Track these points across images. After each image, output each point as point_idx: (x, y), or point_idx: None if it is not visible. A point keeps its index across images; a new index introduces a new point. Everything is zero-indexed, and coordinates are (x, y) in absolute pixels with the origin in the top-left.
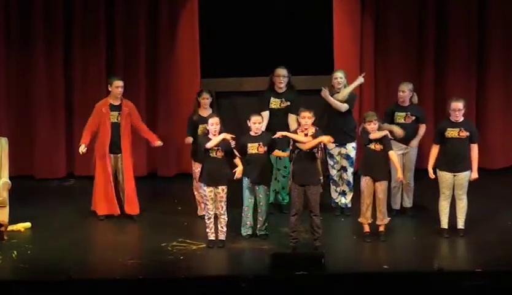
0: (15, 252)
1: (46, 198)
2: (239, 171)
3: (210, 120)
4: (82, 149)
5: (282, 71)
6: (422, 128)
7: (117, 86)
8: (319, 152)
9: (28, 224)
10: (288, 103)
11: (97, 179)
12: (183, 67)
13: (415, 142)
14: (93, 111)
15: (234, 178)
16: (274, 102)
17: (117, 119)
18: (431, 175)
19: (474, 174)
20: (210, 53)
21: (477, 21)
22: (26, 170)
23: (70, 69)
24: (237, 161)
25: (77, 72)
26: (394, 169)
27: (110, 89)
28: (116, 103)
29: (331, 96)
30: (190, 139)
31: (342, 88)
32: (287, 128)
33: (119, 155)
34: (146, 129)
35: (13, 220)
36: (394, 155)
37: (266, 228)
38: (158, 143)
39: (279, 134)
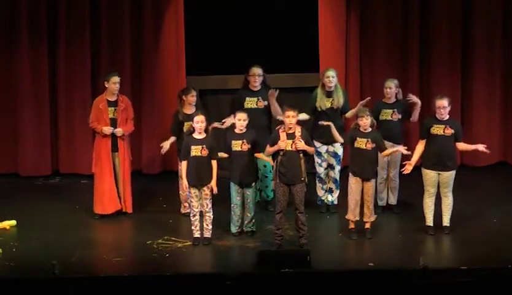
0: (0, 250)
1: (31, 196)
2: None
3: (196, 118)
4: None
5: (257, 70)
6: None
7: (115, 82)
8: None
9: (13, 222)
10: (266, 103)
11: (98, 178)
12: (169, 65)
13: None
14: (92, 107)
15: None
16: (250, 102)
17: (114, 115)
18: (408, 170)
19: (480, 147)
20: (195, 50)
21: (461, 18)
22: (11, 168)
23: (55, 66)
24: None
25: (61, 70)
26: (380, 166)
27: (106, 85)
28: (113, 99)
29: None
30: (166, 144)
31: (333, 87)
32: (264, 128)
33: (116, 152)
34: (129, 124)
35: None
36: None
37: (253, 224)
38: (119, 130)
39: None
